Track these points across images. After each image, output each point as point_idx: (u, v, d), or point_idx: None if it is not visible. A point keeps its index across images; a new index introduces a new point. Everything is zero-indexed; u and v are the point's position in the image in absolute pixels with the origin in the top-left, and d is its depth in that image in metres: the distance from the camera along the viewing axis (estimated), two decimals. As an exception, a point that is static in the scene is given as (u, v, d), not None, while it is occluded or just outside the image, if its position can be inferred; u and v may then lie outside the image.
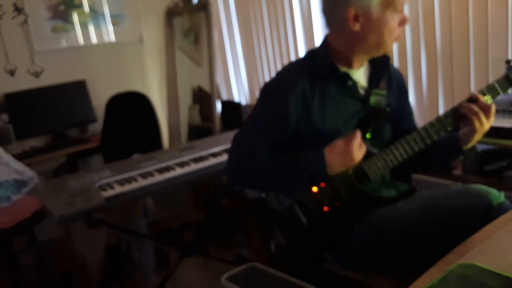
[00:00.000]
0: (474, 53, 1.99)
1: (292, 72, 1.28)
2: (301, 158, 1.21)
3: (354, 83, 1.28)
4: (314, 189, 1.22)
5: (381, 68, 1.32)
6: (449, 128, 1.21)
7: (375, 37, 1.20)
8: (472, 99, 1.19)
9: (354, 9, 1.17)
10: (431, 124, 1.22)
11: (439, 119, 1.21)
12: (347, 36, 1.22)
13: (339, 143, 1.18)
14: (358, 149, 1.17)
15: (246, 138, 1.29)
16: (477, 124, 1.17)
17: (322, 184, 1.23)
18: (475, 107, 1.17)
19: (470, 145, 1.23)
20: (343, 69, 1.27)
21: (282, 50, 2.97)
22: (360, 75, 1.30)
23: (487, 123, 1.18)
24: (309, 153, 1.21)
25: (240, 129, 1.34)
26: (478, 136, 1.21)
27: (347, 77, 1.27)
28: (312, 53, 1.32)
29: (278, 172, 1.21)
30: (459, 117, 1.20)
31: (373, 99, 1.29)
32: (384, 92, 1.32)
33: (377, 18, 1.17)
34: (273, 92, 1.28)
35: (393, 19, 1.18)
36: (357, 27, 1.19)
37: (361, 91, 1.30)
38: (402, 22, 1.21)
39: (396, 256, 1.20)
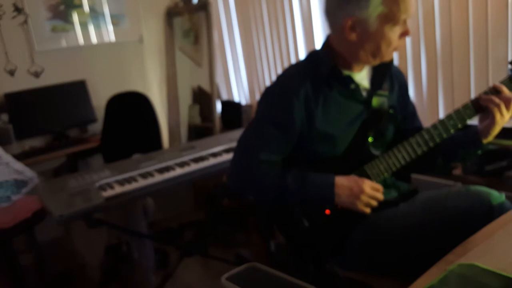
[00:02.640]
0: (474, 53, 1.99)
1: (295, 76, 1.25)
2: (310, 182, 1.19)
3: (357, 86, 1.26)
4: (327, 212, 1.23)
5: (383, 70, 1.30)
6: (467, 120, 1.20)
7: (372, 47, 1.18)
8: (494, 91, 1.18)
9: (352, 19, 1.15)
10: (434, 126, 1.22)
11: (457, 111, 1.20)
12: (345, 42, 1.21)
13: (353, 176, 1.19)
14: (370, 186, 1.17)
15: (250, 145, 1.26)
16: (498, 115, 1.16)
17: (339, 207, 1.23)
18: (496, 99, 1.16)
19: (490, 138, 1.22)
20: (346, 72, 1.26)
21: (282, 50, 2.97)
22: (362, 77, 1.29)
23: (507, 115, 1.17)
24: (318, 178, 1.20)
25: (243, 134, 1.31)
26: (498, 128, 1.20)
27: (350, 80, 1.25)
28: (314, 55, 1.30)
29: (283, 189, 1.20)
30: (478, 109, 1.20)
31: (375, 101, 1.28)
32: (386, 93, 1.31)
33: (374, 31, 1.15)
34: (277, 96, 1.25)
35: (392, 32, 1.15)
36: (353, 36, 1.17)
37: (364, 93, 1.28)
38: (404, 35, 1.18)
39: (397, 256, 1.20)
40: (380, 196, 1.18)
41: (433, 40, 2.11)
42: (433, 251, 0.98)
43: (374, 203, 1.18)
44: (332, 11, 1.21)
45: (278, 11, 2.90)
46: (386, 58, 1.22)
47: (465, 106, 1.21)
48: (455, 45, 2.04)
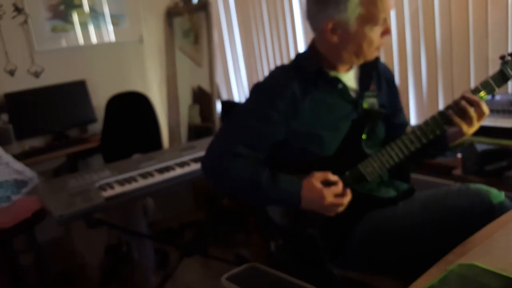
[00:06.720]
0: (474, 53, 1.99)
1: (283, 76, 1.26)
2: (281, 181, 1.19)
3: (345, 86, 1.27)
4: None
5: (370, 70, 1.31)
6: (444, 127, 1.21)
7: (354, 48, 1.19)
8: (462, 104, 1.18)
9: (332, 22, 1.17)
10: (426, 123, 1.22)
11: (433, 118, 1.21)
12: (328, 44, 1.22)
13: (317, 183, 1.15)
14: (332, 196, 1.15)
15: (230, 135, 1.26)
16: (465, 128, 1.18)
17: None
18: (462, 116, 1.17)
19: (456, 143, 1.27)
20: (332, 73, 1.27)
21: (282, 50, 2.97)
22: (349, 78, 1.30)
23: (476, 125, 1.19)
24: (288, 179, 1.19)
25: (226, 123, 1.31)
26: (465, 138, 1.24)
27: (337, 80, 1.26)
28: (299, 58, 1.32)
29: (254, 186, 1.19)
30: (449, 121, 1.20)
31: (366, 104, 1.29)
32: (374, 93, 1.32)
33: (355, 32, 1.16)
34: (263, 91, 1.26)
35: (372, 32, 1.17)
36: (335, 38, 1.19)
37: (352, 94, 1.29)
38: (384, 33, 1.19)
39: (396, 256, 1.20)
40: (346, 200, 1.16)
41: (433, 40, 2.12)
42: (433, 251, 0.98)
43: (340, 209, 1.17)
44: (313, 14, 1.23)
45: (278, 11, 2.90)
46: (370, 57, 1.24)
47: (440, 113, 1.21)
48: (455, 45, 2.04)
